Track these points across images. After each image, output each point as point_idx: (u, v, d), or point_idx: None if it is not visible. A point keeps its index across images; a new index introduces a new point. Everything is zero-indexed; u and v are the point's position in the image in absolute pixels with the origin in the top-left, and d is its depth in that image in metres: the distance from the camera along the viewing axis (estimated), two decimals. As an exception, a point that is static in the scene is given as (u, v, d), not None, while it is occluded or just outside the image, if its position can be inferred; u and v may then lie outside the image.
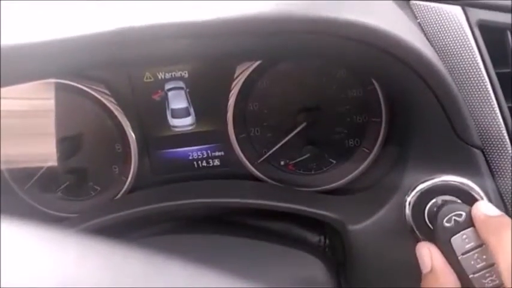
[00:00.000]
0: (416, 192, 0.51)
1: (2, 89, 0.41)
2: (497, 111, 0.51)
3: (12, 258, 0.19)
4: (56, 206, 0.70)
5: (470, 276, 0.44)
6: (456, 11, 0.52)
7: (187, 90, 0.65)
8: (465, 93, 0.51)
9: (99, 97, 0.62)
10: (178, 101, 0.66)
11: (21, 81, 0.44)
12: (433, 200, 0.50)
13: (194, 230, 0.63)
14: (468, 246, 0.45)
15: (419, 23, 0.53)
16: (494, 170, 0.51)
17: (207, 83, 0.65)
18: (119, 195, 0.68)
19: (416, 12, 0.53)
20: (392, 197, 0.53)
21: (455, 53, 0.51)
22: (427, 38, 0.52)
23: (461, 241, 0.45)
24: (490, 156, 0.51)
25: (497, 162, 0.51)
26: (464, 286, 0.45)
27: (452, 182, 0.50)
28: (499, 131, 0.51)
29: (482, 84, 0.51)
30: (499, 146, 0.51)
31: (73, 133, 0.66)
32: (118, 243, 0.20)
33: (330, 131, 0.65)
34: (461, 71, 0.51)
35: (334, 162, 0.66)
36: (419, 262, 0.47)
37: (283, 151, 0.66)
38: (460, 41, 0.51)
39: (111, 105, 0.63)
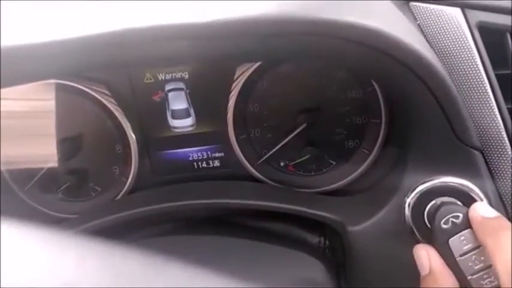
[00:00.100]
0: (416, 193, 0.51)
1: (2, 89, 0.41)
2: (497, 112, 0.51)
3: (12, 259, 0.19)
4: (57, 207, 0.70)
5: (469, 277, 0.44)
6: (456, 12, 0.52)
7: (188, 91, 0.66)
8: (465, 95, 0.51)
9: (99, 98, 0.62)
10: (178, 102, 0.66)
11: (21, 82, 0.44)
12: (433, 202, 0.50)
13: (194, 231, 0.63)
14: (466, 247, 0.45)
15: (418, 24, 0.53)
16: (493, 171, 0.51)
17: (207, 84, 0.65)
18: (119, 196, 0.68)
19: (416, 14, 0.53)
20: (392, 198, 0.53)
21: (454, 54, 0.51)
22: (427, 40, 0.52)
23: (459, 243, 0.45)
24: (490, 157, 0.51)
25: (496, 163, 0.51)
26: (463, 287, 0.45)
27: (452, 184, 0.50)
28: (499, 133, 0.51)
29: (481, 85, 0.51)
30: (499, 147, 0.51)
31: (73, 134, 0.66)
32: (117, 244, 0.20)
33: (330, 132, 0.65)
34: (460, 73, 0.51)
35: (334, 163, 0.66)
36: (418, 264, 0.47)
37: (283, 152, 0.66)
38: (459, 42, 0.51)
39: (111, 106, 0.63)
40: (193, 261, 0.21)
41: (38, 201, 0.70)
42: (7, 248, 0.19)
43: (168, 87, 0.65)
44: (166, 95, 0.66)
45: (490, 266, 0.44)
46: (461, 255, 0.45)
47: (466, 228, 0.45)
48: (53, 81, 0.62)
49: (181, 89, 0.66)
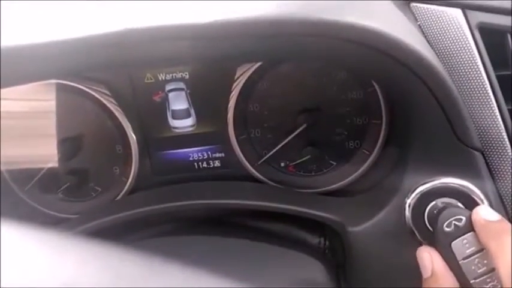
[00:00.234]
0: (416, 194, 0.51)
1: (2, 90, 0.41)
2: (497, 113, 0.51)
3: (12, 260, 0.19)
4: (57, 207, 0.70)
5: (472, 281, 0.44)
6: (456, 13, 0.52)
7: (188, 91, 0.66)
8: (465, 96, 0.51)
9: (99, 98, 0.62)
10: (179, 102, 0.66)
11: (22, 82, 0.44)
12: (433, 202, 0.50)
13: (194, 231, 0.63)
14: (469, 251, 0.44)
15: (419, 25, 0.53)
16: (494, 172, 0.51)
17: (208, 85, 0.65)
18: (120, 196, 0.68)
19: (416, 15, 0.53)
20: (392, 199, 0.53)
21: (455, 55, 0.51)
22: (428, 41, 0.52)
23: (461, 246, 0.45)
24: (490, 158, 0.51)
25: (497, 164, 0.51)
26: None
27: (452, 184, 0.50)
28: (499, 134, 0.51)
29: (482, 86, 0.51)
30: (499, 148, 0.51)
31: (74, 134, 0.66)
32: (117, 245, 0.20)
33: (330, 132, 0.65)
34: (461, 74, 0.51)
35: (334, 163, 0.66)
36: (420, 266, 0.47)
37: (283, 152, 0.66)
38: (460, 43, 0.51)
39: (111, 106, 0.63)
40: (193, 262, 0.21)
41: (38, 201, 0.70)
42: (7, 248, 0.19)
43: (168, 87, 0.65)
44: (167, 95, 0.66)
45: (493, 270, 0.43)
46: (464, 259, 0.45)
47: (469, 232, 0.45)
48: (53, 81, 0.62)
49: (182, 89, 0.66)
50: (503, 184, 0.51)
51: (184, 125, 0.67)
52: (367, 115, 0.64)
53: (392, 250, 0.53)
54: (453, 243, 0.45)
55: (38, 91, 0.62)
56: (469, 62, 0.51)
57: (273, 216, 0.60)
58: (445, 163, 0.51)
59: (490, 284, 0.44)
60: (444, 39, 0.52)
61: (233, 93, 0.62)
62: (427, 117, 0.50)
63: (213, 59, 0.56)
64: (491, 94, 0.51)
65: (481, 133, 0.51)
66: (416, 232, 0.51)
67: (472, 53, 0.51)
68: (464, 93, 0.51)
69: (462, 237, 0.45)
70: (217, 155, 0.69)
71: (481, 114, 0.51)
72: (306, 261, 0.59)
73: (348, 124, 0.64)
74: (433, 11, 0.52)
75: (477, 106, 0.51)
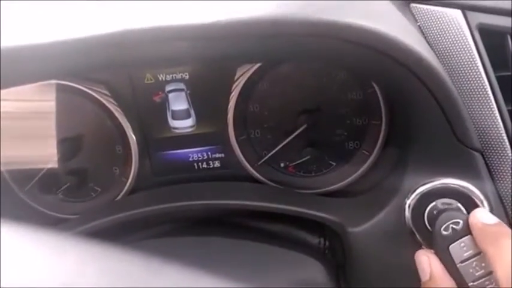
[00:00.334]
0: (416, 195, 0.51)
1: (2, 90, 0.41)
2: (497, 114, 0.51)
3: (11, 260, 0.19)
4: (57, 207, 0.70)
5: (470, 284, 0.44)
6: (456, 14, 0.52)
7: (188, 91, 0.66)
8: (465, 97, 0.51)
9: (99, 98, 0.63)
10: (178, 102, 0.66)
11: (22, 83, 0.44)
12: (433, 203, 0.50)
13: (194, 232, 0.63)
14: (466, 254, 0.45)
15: (419, 26, 0.53)
16: (494, 173, 0.51)
17: (208, 85, 0.65)
18: (119, 197, 0.68)
19: (416, 16, 0.53)
20: (392, 199, 0.53)
21: (455, 56, 0.51)
22: (427, 41, 0.52)
23: (459, 249, 0.45)
24: (490, 159, 0.51)
25: (497, 165, 0.51)
26: None
27: (452, 185, 0.50)
28: (499, 134, 0.51)
29: (482, 87, 0.51)
30: (499, 149, 0.51)
31: (74, 134, 0.66)
32: (116, 246, 0.20)
33: (330, 133, 0.65)
34: (461, 74, 0.51)
35: (334, 164, 0.66)
36: (418, 269, 0.47)
37: (283, 153, 0.66)
38: (460, 44, 0.51)
39: (111, 107, 0.63)
40: (193, 263, 0.21)
41: (38, 201, 0.70)
42: (7, 249, 0.19)
43: (168, 87, 0.65)
44: (167, 96, 0.66)
45: (491, 273, 0.44)
46: (462, 262, 0.45)
47: (467, 235, 0.45)
48: (53, 81, 0.62)
49: (182, 90, 0.66)
50: (503, 185, 0.51)
51: (184, 125, 0.67)
52: (367, 116, 0.64)
53: (392, 251, 0.53)
54: (451, 246, 0.45)
55: (38, 92, 0.62)
56: (469, 62, 0.51)
57: (272, 216, 0.60)
58: (445, 164, 0.51)
59: (488, 287, 0.44)
60: (444, 40, 0.52)
61: (233, 93, 0.62)
62: (426, 118, 0.50)
63: (213, 60, 0.56)
64: (491, 95, 0.51)
65: (481, 134, 0.51)
66: (416, 233, 0.51)
67: (471, 53, 0.51)
68: (464, 94, 0.51)
69: (460, 240, 0.45)
70: (217, 155, 0.69)
71: (481, 115, 0.51)
72: (305, 262, 0.59)
73: (347, 125, 0.64)
74: (433, 12, 0.52)
75: (477, 107, 0.51)
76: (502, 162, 0.51)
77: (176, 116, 0.67)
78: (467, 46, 0.51)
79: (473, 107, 0.51)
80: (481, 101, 0.51)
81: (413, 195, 0.51)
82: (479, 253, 0.44)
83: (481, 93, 0.51)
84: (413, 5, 0.54)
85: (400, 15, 0.50)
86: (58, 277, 0.18)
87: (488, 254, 0.42)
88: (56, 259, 0.20)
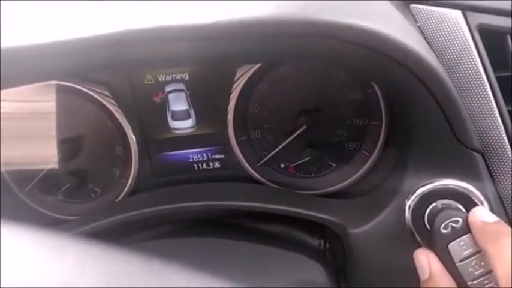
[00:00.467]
0: (416, 196, 0.51)
1: (3, 91, 0.41)
2: (497, 114, 0.51)
3: (11, 261, 0.19)
4: (57, 208, 0.70)
5: (469, 283, 0.44)
6: (456, 14, 0.52)
7: (188, 92, 0.66)
8: (465, 97, 0.51)
9: (99, 99, 0.63)
10: (178, 103, 0.66)
11: (22, 83, 0.44)
12: (433, 204, 0.50)
13: (194, 233, 0.63)
14: (466, 253, 0.45)
15: (419, 26, 0.53)
16: (494, 173, 0.51)
17: (208, 86, 0.65)
18: (119, 198, 0.68)
19: (416, 16, 0.53)
20: (392, 200, 0.53)
21: (455, 56, 0.51)
22: (427, 42, 0.52)
23: (458, 248, 0.45)
24: (490, 160, 0.51)
25: (497, 166, 0.51)
26: None
27: (452, 186, 0.50)
28: (499, 135, 0.51)
29: (482, 87, 0.51)
30: (499, 149, 0.51)
31: (74, 135, 0.66)
32: (115, 247, 0.20)
33: (330, 134, 0.65)
34: (461, 75, 0.51)
35: (334, 165, 0.66)
36: (418, 268, 0.47)
37: (283, 154, 0.66)
38: (460, 44, 0.51)
39: (111, 107, 0.63)
40: (193, 264, 0.21)
41: (38, 202, 0.70)
42: (7, 249, 0.19)
43: (168, 88, 0.65)
44: (167, 96, 0.66)
45: (490, 272, 0.43)
46: (461, 261, 0.45)
47: (466, 233, 0.45)
48: (53, 82, 0.62)
49: (182, 90, 0.66)
50: (503, 185, 0.51)
51: (184, 126, 0.67)
52: (367, 116, 0.64)
53: (393, 252, 0.53)
54: (450, 245, 0.45)
55: (38, 92, 0.62)
56: (469, 63, 0.51)
57: (272, 217, 0.60)
58: (445, 165, 0.51)
59: (487, 286, 0.44)
60: (444, 41, 0.52)
61: (233, 94, 0.62)
62: (427, 119, 0.50)
63: (213, 60, 0.56)
64: (491, 95, 0.51)
65: (481, 134, 0.51)
66: (416, 234, 0.51)
67: (471, 54, 0.51)
68: (464, 94, 0.51)
69: (459, 239, 0.45)
70: (217, 156, 0.69)
71: (481, 115, 0.51)
72: (306, 263, 0.59)
73: (347, 125, 0.64)
74: (433, 12, 0.52)
75: (477, 107, 0.51)
76: (502, 163, 0.51)
77: (176, 116, 0.67)
78: (467, 46, 0.51)
79: (474, 107, 0.51)
80: (481, 102, 0.51)
81: (413, 196, 0.51)
82: (478, 252, 0.44)
83: (481, 93, 0.51)
84: (413, 5, 0.53)
85: (400, 15, 0.50)
86: (57, 277, 0.18)
87: (487, 252, 0.42)
88: (55, 260, 0.20)
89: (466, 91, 0.51)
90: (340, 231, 0.56)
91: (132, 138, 0.64)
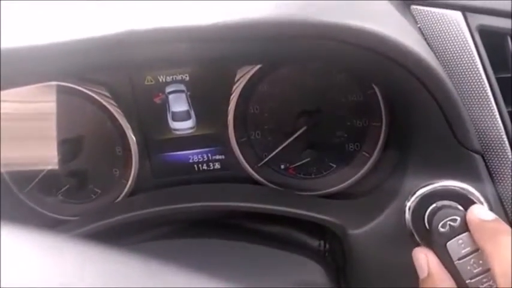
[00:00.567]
0: (416, 197, 0.51)
1: (3, 91, 0.41)
2: (497, 116, 0.51)
3: (11, 261, 0.19)
4: (57, 209, 0.70)
5: (468, 281, 0.44)
6: (456, 16, 0.52)
7: (188, 93, 0.66)
8: (465, 98, 0.51)
9: (100, 100, 0.63)
10: (179, 104, 0.66)
11: (22, 84, 0.44)
12: (433, 205, 0.50)
13: (194, 234, 0.63)
14: (464, 251, 0.45)
15: (419, 27, 0.53)
16: (494, 175, 0.51)
17: (208, 86, 0.65)
18: (120, 198, 0.68)
19: (416, 17, 0.53)
20: (392, 201, 0.53)
21: (455, 57, 0.51)
22: (428, 43, 0.52)
23: (457, 246, 0.45)
24: (490, 161, 0.51)
25: (497, 167, 0.51)
26: None
27: (452, 187, 0.50)
28: (499, 136, 0.51)
29: (482, 89, 0.51)
30: (499, 151, 0.51)
31: (74, 136, 0.66)
32: (115, 247, 0.20)
33: (330, 135, 0.65)
34: (461, 76, 0.51)
35: (334, 166, 0.66)
36: (416, 267, 0.47)
37: (283, 155, 0.66)
38: (460, 45, 0.51)
39: (111, 108, 0.63)
40: (193, 264, 0.21)
41: (38, 203, 0.70)
42: (6, 249, 0.19)
43: (168, 89, 0.65)
44: (167, 97, 0.66)
45: (488, 270, 0.44)
46: (459, 259, 0.45)
47: (464, 232, 0.45)
48: (53, 83, 0.62)
49: (182, 91, 0.66)
50: (503, 187, 0.51)
51: (184, 127, 0.67)
52: (367, 117, 0.64)
53: (393, 253, 0.53)
54: (448, 243, 0.45)
55: (38, 93, 0.63)
56: (469, 64, 0.51)
57: (272, 218, 0.60)
58: (445, 166, 0.51)
59: (485, 284, 0.44)
60: (444, 42, 0.52)
61: (233, 95, 0.62)
62: (427, 120, 0.50)
63: (213, 61, 0.56)
64: (491, 96, 0.51)
65: (481, 136, 0.51)
66: (416, 235, 0.51)
67: (472, 55, 0.51)
68: (464, 95, 0.51)
69: (457, 237, 0.45)
70: (217, 157, 0.69)
71: (481, 116, 0.51)
72: (306, 264, 0.59)
73: (348, 126, 0.64)
74: (433, 14, 0.52)
75: (477, 109, 0.51)
76: (503, 164, 0.51)
77: (176, 117, 0.67)
78: (468, 48, 0.51)
79: (474, 108, 0.51)
80: (481, 103, 0.51)
81: (413, 198, 0.51)
82: (476, 250, 0.44)
83: (481, 94, 0.51)
84: (413, 6, 0.53)
85: (400, 16, 0.50)
86: (57, 278, 0.18)
87: (486, 251, 0.42)
88: (54, 260, 0.20)
89: (466, 92, 0.51)
90: (340, 232, 0.56)
91: (132, 138, 0.64)
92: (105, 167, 0.68)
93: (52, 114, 0.63)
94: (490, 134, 0.51)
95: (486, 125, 0.51)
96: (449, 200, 0.50)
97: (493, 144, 0.51)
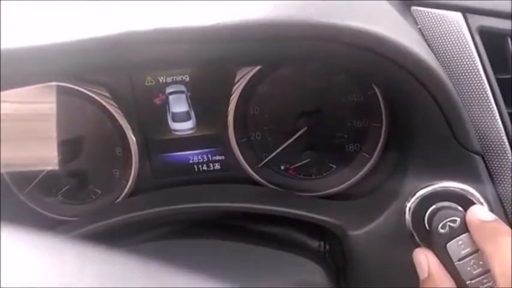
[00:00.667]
0: (417, 198, 0.51)
1: (3, 92, 0.41)
2: (498, 117, 0.51)
3: (11, 261, 0.19)
4: (57, 209, 0.70)
5: (468, 282, 0.44)
6: (457, 17, 0.52)
7: (188, 94, 0.66)
8: (465, 99, 0.51)
9: (100, 100, 0.63)
10: (179, 104, 0.66)
11: (22, 85, 0.44)
12: (433, 206, 0.50)
13: (194, 234, 0.63)
14: (464, 252, 0.45)
15: (419, 28, 0.53)
16: (494, 176, 0.51)
17: (208, 87, 0.65)
18: (120, 199, 0.68)
19: (417, 18, 0.53)
20: (392, 202, 0.53)
21: (455, 58, 0.51)
22: (428, 44, 0.52)
23: (456, 247, 0.45)
24: (490, 162, 0.51)
25: (497, 168, 0.51)
26: None
27: (453, 188, 0.50)
28: (499, 137, 0.51)
29: (482, 90, 0.51)
30: (499, 152, 0.51)
31: (74, 136, 0.66)
32: (115, 248, 0.20)
33: (331, 135, 0.65)
34: (461, 77, 0.51)
35: (335, 167, 0.66)
36: (417, 268, 0.47)
37: (283, 155, 0.66)
38: (460, 47, 0.51)
39: (112, 109, 0.63)
40: (193, 265, 0.21)
41: (38, 203, 0.70)
42: (6, 249, 0.19)
43: (168, 90, 0.65)
44: (167, 98, 0.66)
45: (489, 271, 0.43)
46: (459, 260, 0.45)
47: (464, 233, 0.45)
48: (53, 83, 0.62)
49: (182, 92, 0.66)
50: (503, 188, 0.51)
51: (185, 127, 0.67)
52: (367, 118, 0.64)
53: (393, 253, 0.53)
54: (448, 244, 0.45)
55: (38, 93, 0.63)
56: (469, 65, 0.51)
57: (272, 219, 0.60)
58: (445, 167, 0.51)
59: (486, 285, 0.44)
60: (444, 43, 0.52)
61: (233, 96, 0.62)
62: (427, 121, 0.50)
63: (212, 62, 0.56)
64: (491, 98, 0.51)
65: (481, 137, 0.51)
66: (416, 236, 0.51)
67: (472, 56, 0.51)
68: (464, 96, 0.51)
69: (457, 238, 0.45)
70: (217, 157, 0.69)
71: (481, 117, 0.51)
72: (306, 265, 0.59)
73: (348, 127, 0.64)
74: (434, 15, 0.52)
75: (477, 110, 0.51)
76: (503, 165, 0.51)
77: (176, 118, 0.67)
78: (468, 49, 0.51)
79: (474, 109, 0.51)
80: (482, 104, 0.51)
81: (413, 199, 0.51)
82: (476, 251, 0.44)
83: (481, 95, 0.51)
84: (414, 8, 0.53)
85: (400, 17, 0.50)
86: (56, 278, 0.18)
87: (485, 252, 0.42)
88: (54, 260, 0.20)
89: (466, 93, 0.51)
90: (340, 233, 0.56)
91: (132, 139, 0.64)
92: (105, 167, 0.68)
93: (52, 114, 0.63)
94: (490, 135, 0.51)
95: (486, 126, 0.51)
96: (449, 201, 0.50)
97: (493, 145, 0.51)
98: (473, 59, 0.51)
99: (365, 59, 0.46)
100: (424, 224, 0.51)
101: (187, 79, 0.65)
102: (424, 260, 0.46)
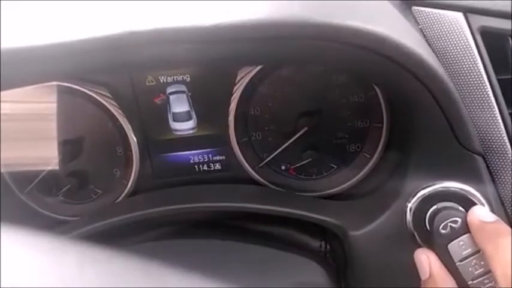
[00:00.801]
0: (418, 198, 0.51)
1: (3, 92, 0.41)
2: (499, 117, 0.51)
3: (11, 261, 0.19)
4: (57, 209, 0.70)
5: (469, 282, 0.44)
6: (458, 17, 0.52)
7: (189, 94, 0.66)
8: (466, 99, 0.51)
9: (100, 100, 0.63)
10: (180, 104, 0.66)
11: (23, 84, 0.44)
12: (434, 207, 0.50)
13: (194, 234, 0.63)
14: (465, 252, 0.45)
15: (420, 29, 0.53)
16: (495, 176, 0.51)
17: (209, 87, 0.65)
18: (120, 199, 0.68)
19: (418, 19, 0.53)
20: (393, 202, 0.53)
21: (457, 59, 0.51)
22: (429, 44, 0.52)
23: (458, 248, 0.45)
24: (491, 162, 0.51)
25: (498, 168, 0.51)
26: None
27: (454, 188, 0.50)
28: (500, 137, 0.51)
29: (483, 90, 0.50)
30: (500, 152, 0.51)
31: (75, 136, 0.66)
32: (115, 248, 0.20)
33: (331, 135, 0.65)
34: (462, 77, 0.51)
35: (335, 167, 0.66)
36: (418, 268, 0.47)
37: (284, 155, 0.66)
38: (461, 47, 0.51)
39: (112, 108, 0.63)
40: (193, 265, 0.21)
41: (39, 203, 0.70)
42: (7, 250, 0.19)
43: (169, 89, 0.65)
44: (168, 98, 0.66)
45: (490, 271, 0.44)
46: (461, 260, 0.45)
47: (465, 233, 0.45)
48: (54, 83, 0.62)
49: (183, 92, 0.66)
50: (504, 188, 0.51)
51: (185, 127, 0.67)
52: (368, 118, 0.64)
53: (394, 254, 0.53)
54: (449, 245, 0.45)
55: (39, 93, 0.63)
56: (471, 65, 0.51)
57: (273, 219, 0.60)
58: (446, 167, 0.51)
59: (487, 285, 0.44)
60: (445, 43, 0.52)
61: (234, 96, 0.62)
62: (428, 121, 0.50)
63: (213, 62, 0.56)
64: (492, 98, 0.50)
65: (482, 137, 0.51)
66: (417, 236, 0.51)
67: (473, 56, 0.51)
68: (465, 97, 0.51)
69: (458, 239, 0.45)
70: (218, 157, 0.69)
71: (482, 118, 0.51)
72: (306, 265, 0.59)
73: (348, 127, 0.64)
74: (435, 15, 0.52)
75: (478, 110, 0.51)
76: (504, 166, 0.51)
77: (177, 118, 0.67)
78: (469, 49, 0.51)
79: (475, 110, 0.51)
80: (483, 104, 0.51)
81: (414, 199, 0.51)
82: (478, 251, 0.44)
83: (482, 96, 0.51)
84: (415, 8, 0.53)
85: (401, 17, 0.50)
86: (56, 278, 0.18)
87: (486, 252, 0.42)
88: (54, 260, 0.20)
89: (467, 93, 0.51)
90: (341, 233, 0.56)
91: (133, 139, 0.64)
92: (105, 167, 0.68)
93: (53, 114, 0.63)
94: (491, 135, 0.51)
95: (487, 126, 0.51)
96: (450, 201, 0.50)
97: (494, 146, 0.51)
98: (475, 59, 0.51)
99: (366, 59, 0.45)
100: (425, 225, 0.50)
101: (188, 79, 0.65)
102: (426, 260, 0.46)
